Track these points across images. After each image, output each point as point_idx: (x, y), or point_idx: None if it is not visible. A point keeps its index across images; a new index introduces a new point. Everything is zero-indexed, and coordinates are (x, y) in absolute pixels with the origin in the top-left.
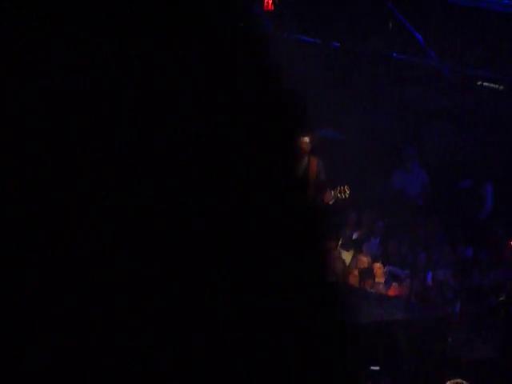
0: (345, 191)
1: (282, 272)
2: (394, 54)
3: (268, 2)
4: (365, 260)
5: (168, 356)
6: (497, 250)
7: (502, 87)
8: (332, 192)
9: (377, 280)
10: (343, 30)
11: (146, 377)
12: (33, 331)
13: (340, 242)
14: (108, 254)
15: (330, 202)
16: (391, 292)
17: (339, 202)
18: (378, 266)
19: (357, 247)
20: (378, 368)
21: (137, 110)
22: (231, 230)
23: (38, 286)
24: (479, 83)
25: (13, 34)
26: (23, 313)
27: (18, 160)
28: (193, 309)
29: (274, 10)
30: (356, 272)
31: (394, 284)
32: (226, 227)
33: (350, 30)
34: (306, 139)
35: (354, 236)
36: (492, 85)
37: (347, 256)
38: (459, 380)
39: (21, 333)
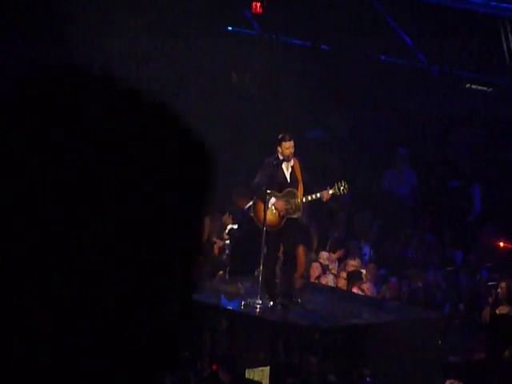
0: (344, 185)
1: None
2: (382, 57)
3: (256, 5)
4: (353, 263)
5: None
6: (485, 250)
7: (490, 89)
8: (330, 190)
9: (365, 282)
10: (332, 32)
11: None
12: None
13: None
14: None
15: (328, 199)
16: (380, 294)
17: (337, 198)
18: (370, 266)
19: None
20: (369, 371)
21: None
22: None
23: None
24: (468, 85)
25: None
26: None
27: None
28: None
29: (262, 13)
30: (344, 275)
31: (383, 286)
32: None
33: (338, 33)
34: (291, 143)
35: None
36: (480, 87)
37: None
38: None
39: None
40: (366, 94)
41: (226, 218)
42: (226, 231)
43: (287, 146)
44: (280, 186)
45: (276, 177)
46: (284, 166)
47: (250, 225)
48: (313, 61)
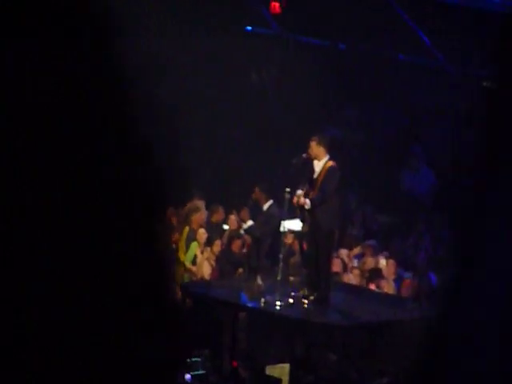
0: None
1: None
2: (401, 56)
3: (275, 6)
4: (371, 260)
5: None
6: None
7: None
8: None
9: (384, 279)
10: (350, 32)
11: None
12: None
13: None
14: None
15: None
16: (397, 292)
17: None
18: (390, 263)
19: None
20: (388, 369)
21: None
22: None
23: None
24: (485, 84)
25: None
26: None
27: None
28: None
29: (281, 13)
30: (357, 271)
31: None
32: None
33: (356, 32)
34: (310, 143)
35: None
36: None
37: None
38: None
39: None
40: (383, 92)
41: (245, 214)
42: (245, 227)
43: (308, 146)
44: (310, 182)
45: (307, 173)
46: (315, 163)
47: (269, 222)
48: (331, 60)
